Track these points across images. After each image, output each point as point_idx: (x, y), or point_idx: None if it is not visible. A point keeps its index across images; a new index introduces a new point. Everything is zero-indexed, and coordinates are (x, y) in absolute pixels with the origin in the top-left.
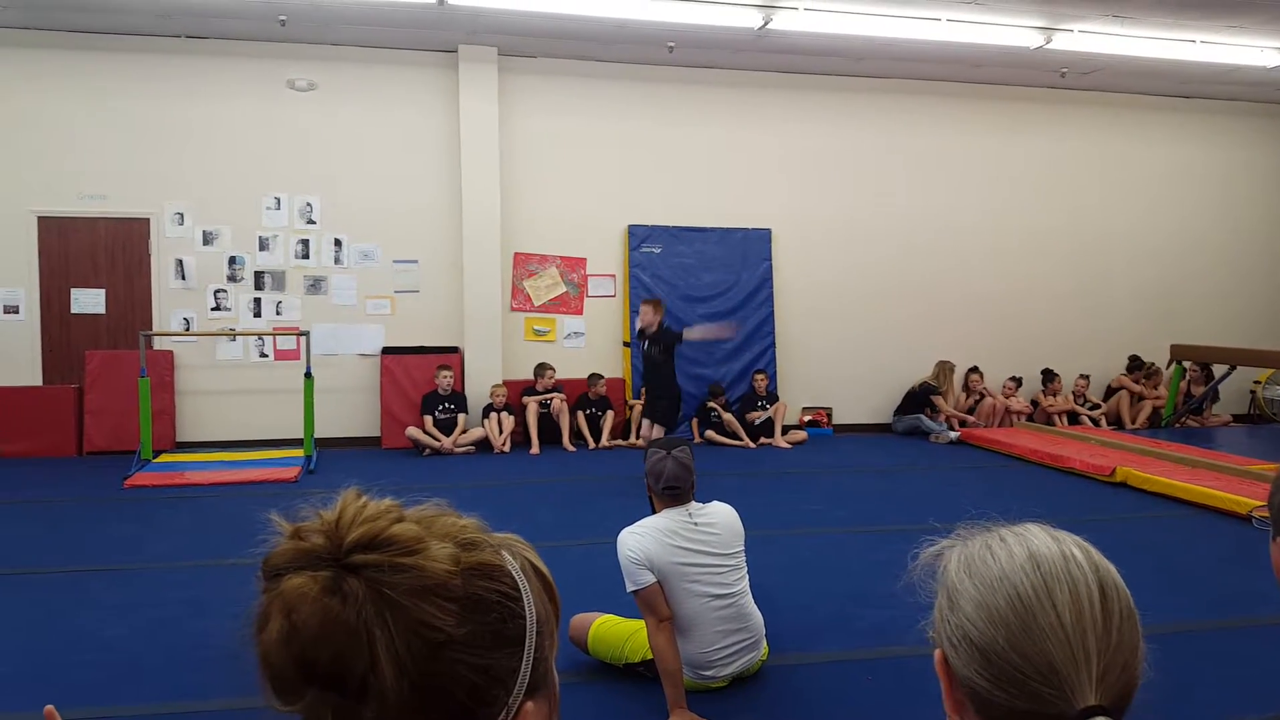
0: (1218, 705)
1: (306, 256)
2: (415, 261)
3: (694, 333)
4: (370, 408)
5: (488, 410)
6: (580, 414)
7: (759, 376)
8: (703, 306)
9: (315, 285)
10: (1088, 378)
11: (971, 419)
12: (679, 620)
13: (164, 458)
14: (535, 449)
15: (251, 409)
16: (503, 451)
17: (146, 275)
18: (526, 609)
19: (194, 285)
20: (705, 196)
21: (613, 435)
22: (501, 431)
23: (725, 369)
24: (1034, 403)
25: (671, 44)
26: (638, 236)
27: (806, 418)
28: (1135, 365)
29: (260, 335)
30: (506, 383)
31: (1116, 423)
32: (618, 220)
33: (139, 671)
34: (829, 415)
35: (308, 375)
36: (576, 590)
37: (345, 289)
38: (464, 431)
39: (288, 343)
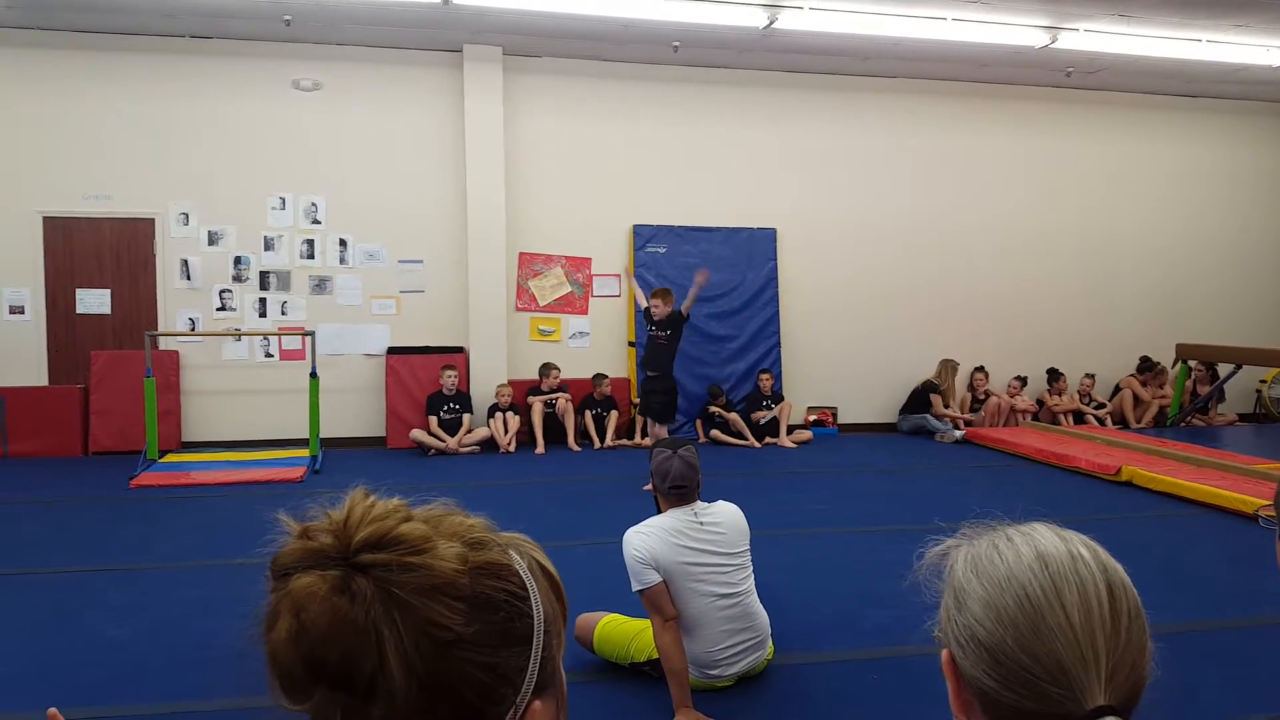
0: (1224, 705)
1: (312, 256)
2: (420, 261)
3: (689, 301)
4: (376, 408)
5: (493, 410)
6: (585, 414)
7: (764, 376)
8: (708, 306)
9: (320, 285)
10: (1093, 377)
11: (969, 417)
12: (684, 620)
13: (169, 458)
14: (540, 449)
15: (257, 409)
16: (508, 451)
17: (152, 275)
18: (534, 608)
19: (199, 285)
20: (710, 196)
21: (618, 435)
22: (507, 431)
23: (730, 369)
24: (1039, 402)
25: (677, 44)
26: (643, 236)
27: (812, 417)
28: (1146, 366)
29: (265, 335)
30: (512, 382)
31: (1122, 422)
32: (622, 220)
33: (145, 671)
34: (834, 415)
35: (313, 375)
36: (582, 589)
37: (350, 289)
38: (469, 431)
39: (293, 343)
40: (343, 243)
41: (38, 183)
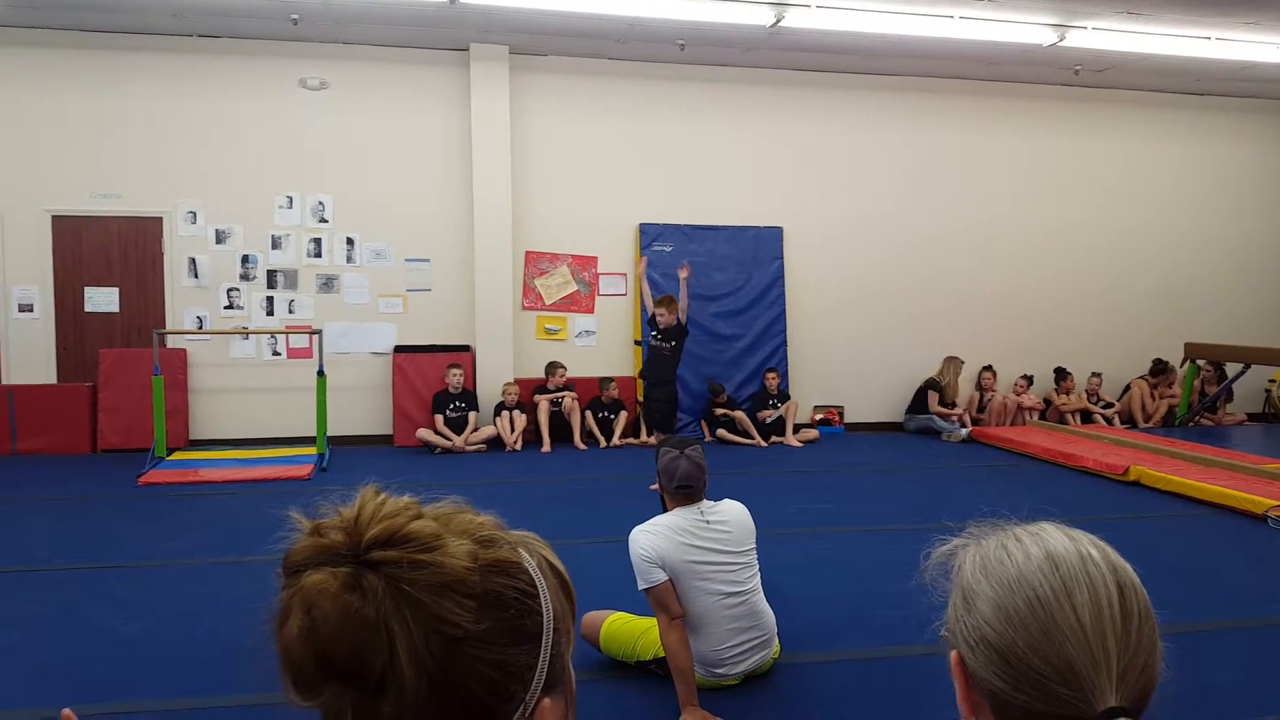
0: (1234, 705)
1: (319, 255)
2: (427, 260)
3: (682, 303)
4: (382, 406)
5: (499, 408)
6: (589, 414)
7: (770, 375)
8: (714, 305)
9: (328, 284)
10: (1099, 376)
11: (960, 413)
12: (691, 618)
13: (177, 455)
14: (546, 447)
15: (264, 407)
16: (514, 450)
17: (159, 274)
18: (543, 606)
19: (207, 284)
20: (717, 195)
21: (624, 434)
22: (513, 430)
23: (736, 368)
24: (1047, 401)
25: (683, 42)
26: (649, 235)
27: (818, 416)
28: (1158, 369)
29: (273, 334)
30: (518, 381)
31: (1130, 421)
32: (629, 219)
33: (153, 668)
34: (841, 414)
35: (320, 373)
36: (589, 588)
37: (357, 287)
38: (475, 430)
39: (300, 341)
40: (350, 242)
41: (46, 182)
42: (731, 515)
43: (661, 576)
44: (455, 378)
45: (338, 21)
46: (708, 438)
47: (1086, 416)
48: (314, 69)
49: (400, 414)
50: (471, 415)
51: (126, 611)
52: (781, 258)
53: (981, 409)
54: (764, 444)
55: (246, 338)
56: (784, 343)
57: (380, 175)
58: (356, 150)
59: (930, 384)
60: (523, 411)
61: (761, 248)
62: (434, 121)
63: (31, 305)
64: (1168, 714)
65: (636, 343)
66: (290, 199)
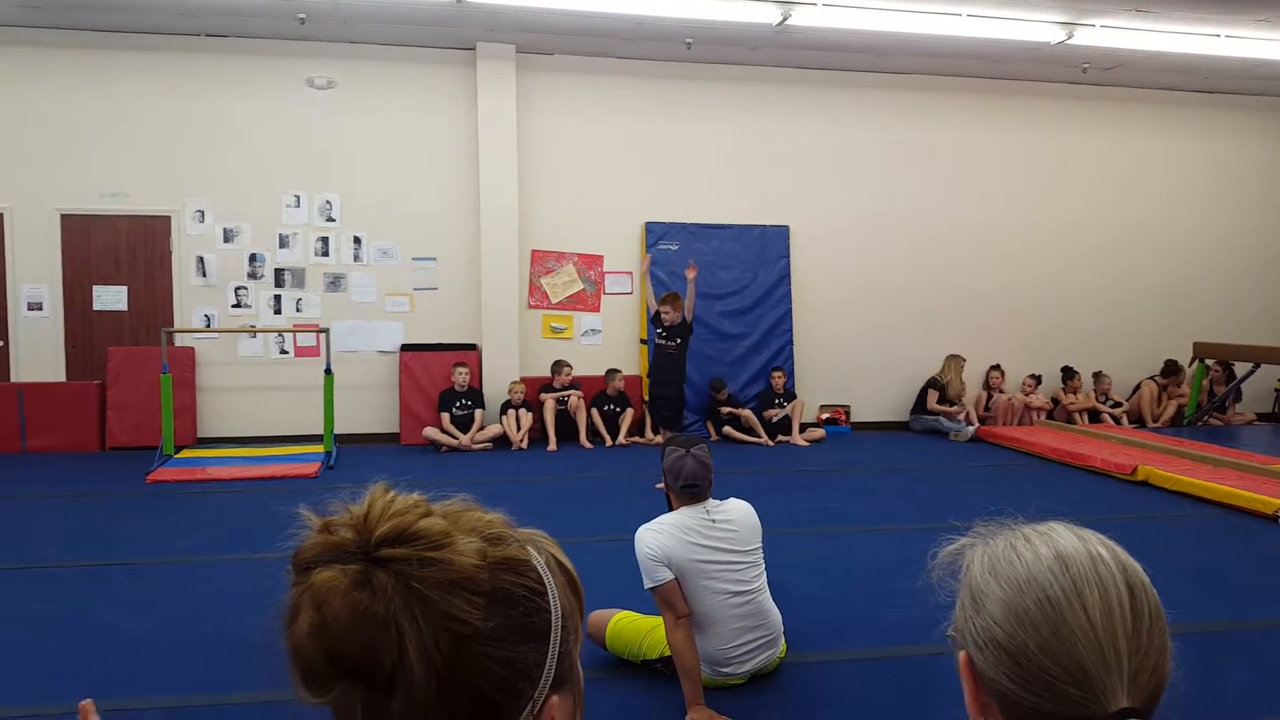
0: (1242, 705)
1: (326, 254)
2: (434, 259)
3: (689, 303)
4: (389, 404)
5: (506, 407)
6: (595, 411)
7: (777, 374)
8: (720, 304)
9: (335, 283)
10: (1109, 378)
11: (970, 412)
12: (697, 617)
13: (185, 453)
14: (553, 446)
15: (271, 405)
16: (520, 448)
17: (168, 272)
18: (551, 603)
19: (215, 282)
20: (723, 193)
21: (630, 433)
22: (520, 428)
23: (742, 366)
24: (1055, 400)
25: (690, 40)
26: (655, 233)
27: (824, 415)
28: (1170, 370)
29: (280, 332)
30: (524, 379)
31: (1139, 421)
32: (635, 217)
33: (161, 665)
34: (847, 413)
35: (327, 372)
36: (595, 587)
37: (364, 286)
38: (482, 428)
39: (308, 339)
40: (357, 240)
41: (55, 181)
42: (738, 514)
43: (667, 575)
44: (461, 376)
45: (345, 21)
46: (713, 436)
47: (1095, 416)
48: (321, 68)
49: (407, 412)
50: (478, 414)
51: (134, 608)
52: (788, 256)
53: (989, 408)
54: (770, 443)
55: (254, 336)
56: (790, 341)
57: (387, 174)
58: (363, 149)
59: (930, 382)
60: (529, 410)
61: (767, 246)
62: (441, 120)
63: (41, 303)
64: (1177, 714)
65: (642, 341)
66: (298, 198)
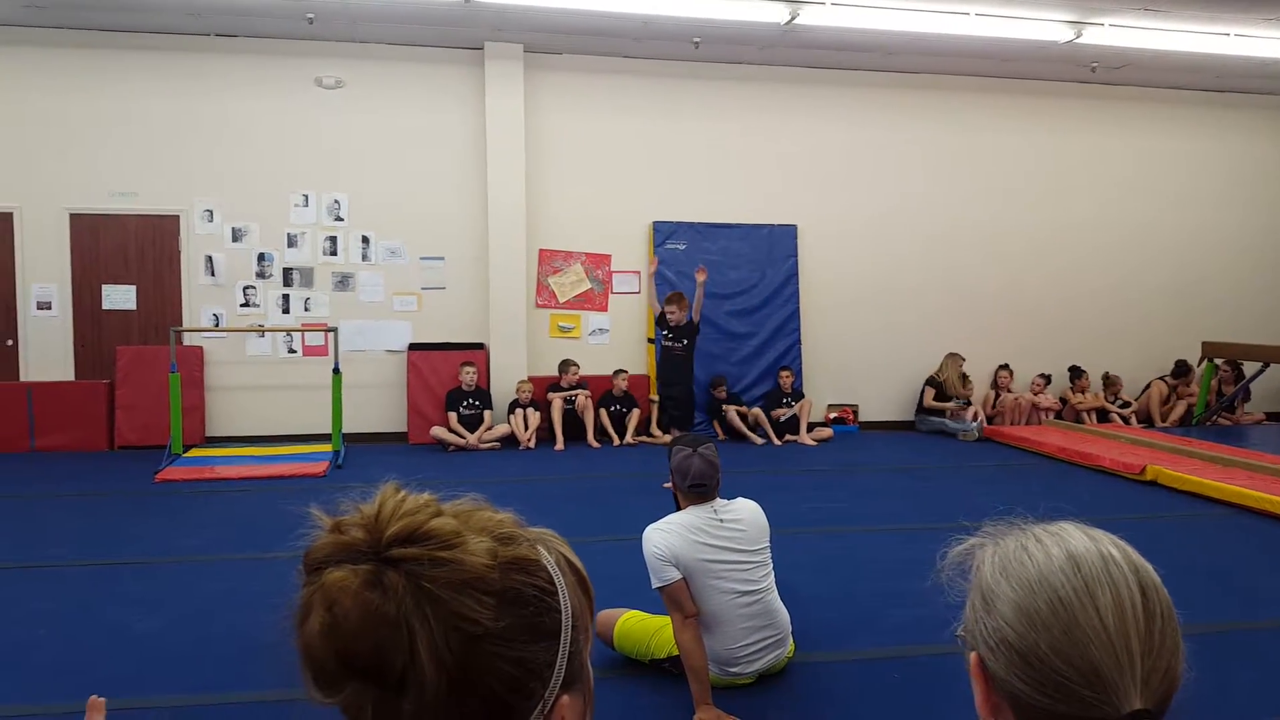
0: (1253, 705)
1: (334, 253)
2: (442, 258)
3: (696, 304)
4: (397, 403)
5: (513, 406)
6: (603, 411)
7: (784, 373)
8: (728, 303)
9: (343, 282)
10: (1118, 376)
11: (976, 410)
12: (705, 617)
13: (194, 452)
14: (560, 445)
15: (280, 405)
16: (528, 448)
17: (176, 272)
18: (562, 603)
19: (223, 282)
20: (731, 193)
21: (637, 432)
22: (527, 428)
23: (750, 366)
24: (1063, 400)
25: (697, 40)
26: (663, 233)
27: (832, 415)
28: (1181, 371)
29: (289, 331)
30: (531, 379)
31: (1147, 420)
32: (642, 216)
33: (169, 664)
34: (855, 412)
35: (335, 371)
36: (602, 586)
37: (372, 286)
38: (489, 428)
39: (316, 339)
40: (365, 240)
41: (64, 180)
42: (745, 514)
43: (675, 575)
44: (468, 375)
45: (353, 21)
46: (721, 436)
47: (1103, 416)
48: (330, 68)
49: (414, 412)
50: (485, 413)
51: (142, 608)
52: (795, 256)
53: (996, 407)
54: (778, 442)
55: (262, 335)
56: (798, 341)
57: (395, 174)
58: (372, 149)
59: (929, 381)
60: (536, 409)
61: (775, 246)
62: (449, 120)
63: (50, 303)
64: (1188, 714)
65: (649, 341)
66: (306, 197)
